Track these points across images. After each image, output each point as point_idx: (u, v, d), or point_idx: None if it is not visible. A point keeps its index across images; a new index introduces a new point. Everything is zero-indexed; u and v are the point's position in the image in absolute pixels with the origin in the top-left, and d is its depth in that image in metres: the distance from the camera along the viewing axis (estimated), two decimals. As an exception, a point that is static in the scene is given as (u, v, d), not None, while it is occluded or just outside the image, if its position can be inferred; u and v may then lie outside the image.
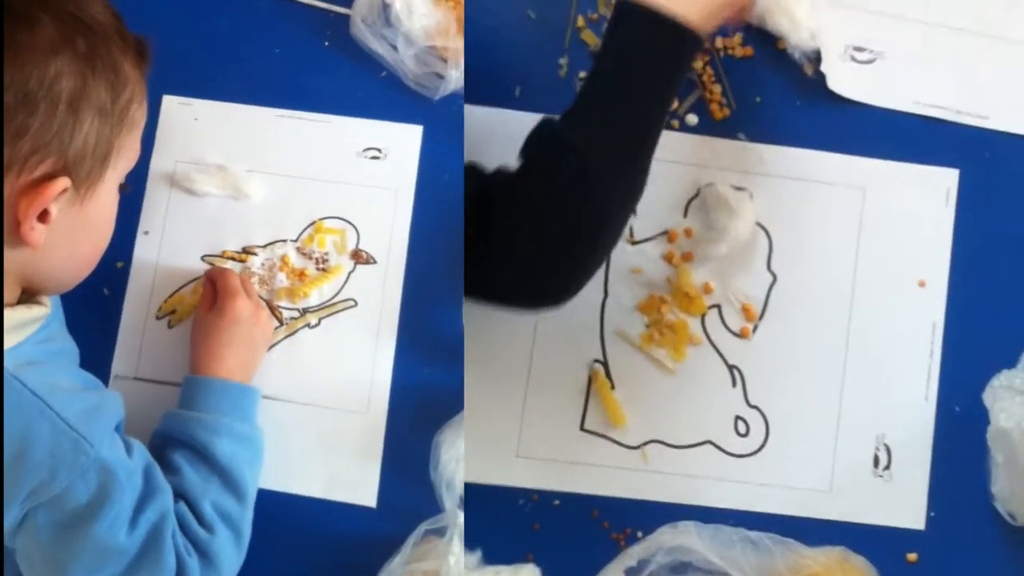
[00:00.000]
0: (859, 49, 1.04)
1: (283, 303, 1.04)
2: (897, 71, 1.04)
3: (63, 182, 0.79)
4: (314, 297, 1.04)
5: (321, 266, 1.04)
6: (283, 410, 1.00)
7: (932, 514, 0.99)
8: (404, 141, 1.06)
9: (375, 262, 1.04)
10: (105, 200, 0.86)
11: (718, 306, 1.01)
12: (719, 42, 1.04)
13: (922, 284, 1.02)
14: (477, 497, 0.98)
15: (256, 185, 1.05)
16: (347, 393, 1.01)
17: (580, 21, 1.04)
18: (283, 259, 1.05)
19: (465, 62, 1.02)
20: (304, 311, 1.03)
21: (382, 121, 1.06)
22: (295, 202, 1.05)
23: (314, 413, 1.00)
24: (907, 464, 0.99)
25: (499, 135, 1.00)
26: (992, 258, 1.02)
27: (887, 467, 1.00)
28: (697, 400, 1.00)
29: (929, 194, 1.03)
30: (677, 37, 0.85)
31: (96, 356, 1.00)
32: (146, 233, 1.05)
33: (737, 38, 1.04)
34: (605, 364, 1.00)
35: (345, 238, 1.05)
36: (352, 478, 0.99)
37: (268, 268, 1.04)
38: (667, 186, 1.02)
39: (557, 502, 0.99)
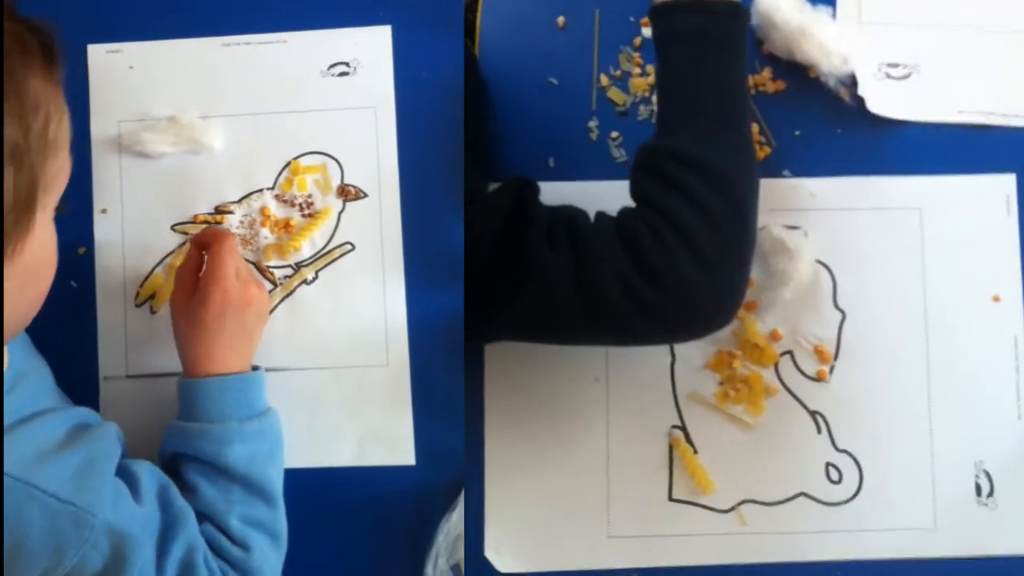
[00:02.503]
0: (893, 65, 1.01)
1: (273, 262, 0.94)
2: (936, 82, 1.01)
3: None
4: (306, 249, 0.94)
5: (307, 212, 0.94)
6: (296, 380, 0.92)
7: (1045, 536, 0.95)
8: (373, 48, 0.94)
9: (365, 195, 0.94)
10: (42, 239, 0.74)
11: (790, 352, 0.98)
12: (749, 80, 1.01)
13: (996, 299, 0.98)
14: (574, 584, 0.96)
15: (215, 133, 0.94)
16: (362, 347, 0.92)
17: (604, 80, 1.01)
18: (263, 212, 0.94)
19: (495, 140, 0.99)
20: (298, 266, 0.94)
21: (344, 29, 0.95)
22: (263, 144, 0.94)
23: (330, 377, 0.92)
24: (1010, 488, 0.96)
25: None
26: (1064, 259, 0.99)
27: (990, 494, 0.96)
28: (784, 452, 0.97)
29: (988, 204, 0.99)
30: (724, 15, 0.86)
31: (79, 359, 0.92)
32: (104, 211, 0.94)
33: (767, 73, 1.01)
34: (684, 429, 0.98)
35: (327, 174, 0.94)
36: (386, 438, 0.92)
37: (248, 225, 0.94)
38: (718, 236, 0.99)
39: (657, 579, 0.96)
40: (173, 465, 0.85)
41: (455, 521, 0.90)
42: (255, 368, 0.89)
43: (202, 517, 0.83)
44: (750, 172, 0.86)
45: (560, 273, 0.81)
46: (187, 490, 0.83)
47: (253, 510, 0.84)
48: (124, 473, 0.79)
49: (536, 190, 0.87)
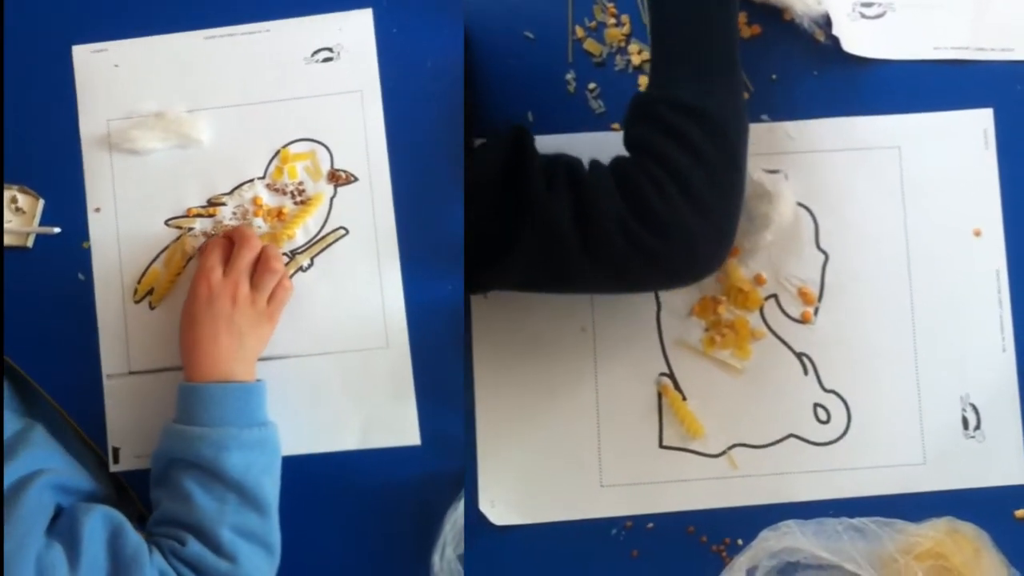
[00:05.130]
0: (867, 4, 1.01)
1: None
2: (910, 20, 1.01)
3: None
4: (300, 236, 0.94)
5: (298, 199, 0.95)
6: (297, 367, 0.93)
7: (1032, 466, 0.96)
8: (356, 31, 0.95)
9: (356, 179, 0.95)
10: None
11: (774, 296, 0.99)
12: (724, 25, 1.00)
13: (977, 233, 0.99)
14: (570, 533, 0.97)
15: (203, 126, 0.95)
16: (362, 331, 0.93)
17: (579, 32, 1.01)
18: (255, 201, 0.95)
19: (472, 97, 0.99)
20: (293, 254, 0.95)
21: (326, 14, 0.95)
22: (251, 134, 0.95)
23: (331, 362, 0.93)
24: (997, 420, 0.97)
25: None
26: (1044, 191, 0.99)
27: (977, 427, 0.97)
28: (771, 395, 0.98)
29: (966, 139, 1.00)
30: None
31: (81, 358, 0.94)
32: (97, 210, 0.95)
33: (742, 17, 1.00)
34: (672, 376, 0.98)
35: (317, 160, 0.95)
36: (389, 420, 0.93)
37: (241, 216, 0.95)
38: (699, 183, 0.99)
39: (651, 525, 0.97)
40: (168, 472, 0.86)
41: (462, 511, 0.91)
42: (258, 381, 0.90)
43: (191, 530, 0.83)
44: (743, 119, 0.87)
45: (561, 218, 0.82)
46: (181, 499, 0.83)
47: (246, 520, 0.84)
48: (65, 534, 0.79)
49: (532, 138, 0.87)
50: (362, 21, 0.96)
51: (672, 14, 0.87)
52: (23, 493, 0.79)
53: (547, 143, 0.96)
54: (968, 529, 0.93)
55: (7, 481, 0.80)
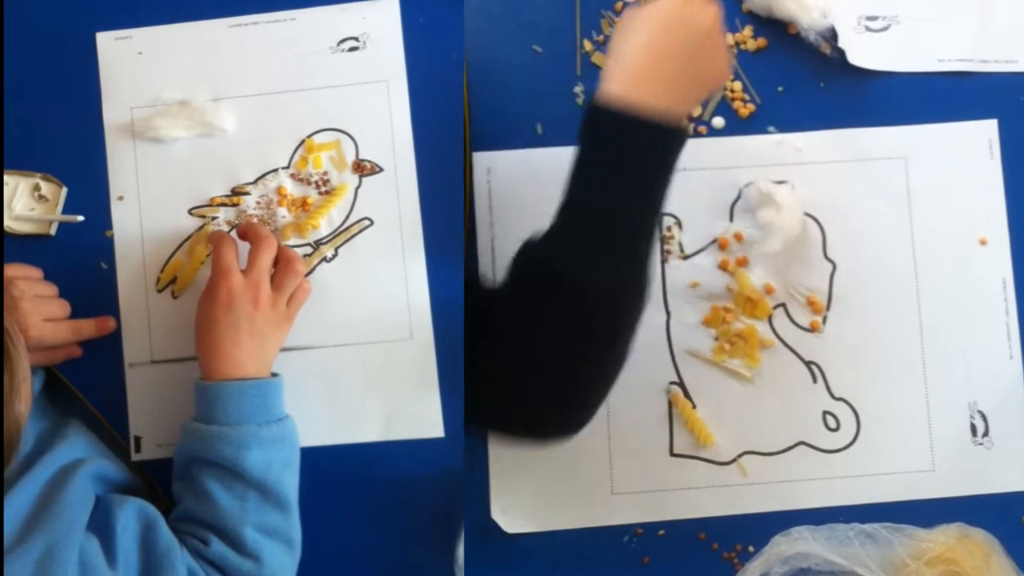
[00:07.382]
0: (872, 18, 1.02)
1: (292, 241, 0.94)
2: (914, 32, 1.02)
3: None
4: (324, 226, 0.94)
5: (323, 189, 0.94)
6: (321, 358, 0.92)
7: (1041, 472, 0.97)
8: (382, 20, 0.95)
9: (381, 170, 0.94)
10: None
11: (783, 305, 1.00)
12: (730, 38, 1.02)
13: (983, 242, 1.00)
14: (581, 541, 0.97)
15: (227, 114, 0.94)
16: (386, 322, 0.93)
17: (587, 45, 1.03)
18: (279, 191, 0.95)
19: (481, 110, 1.00)
20: (317, 244, 0.94)
21: (351, 3, 0.95)
22: (276, 123, 0.94)
23: (355, 353, 0.92)
24: (1005, 427, 0.98)
25: (527, 176, 0.99)
26: (1049, 200, 1.00)
27: (986, 434, 0.98)
28: (781, 403, 0.99)
29: (971, 150, 1.01)
30: (657, 137, 0.77)
31: (104, 347, 0.93)
32: (120, 199, 0.94)
33: (748, 31, 1.02)
34: (682, 385, 0.99)
35: (342, 150, 0.95)
36: (412, 411, 0.92)
37: (265, 206, 0.94)
38: (707, 194, 1.00)
39: (662, 532, 0.98)
40: (188, 470, 0.86)
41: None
42: (274, 375, 0.90)
43: (214, 530, 0.83)
44: (636, 290, 0.79)
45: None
46: (203, 498, 0.84)
47: (267, 518, 0.84)
48: (100, 526, 0.79)
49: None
50: (388, 10, 0.96)
51: (589, 171, 0.78)
52: (68, 481, 0.80)
53: (556, 156, 0.98)
54: (978, 535, 0.94)
55: (51, 469, 0.81)
